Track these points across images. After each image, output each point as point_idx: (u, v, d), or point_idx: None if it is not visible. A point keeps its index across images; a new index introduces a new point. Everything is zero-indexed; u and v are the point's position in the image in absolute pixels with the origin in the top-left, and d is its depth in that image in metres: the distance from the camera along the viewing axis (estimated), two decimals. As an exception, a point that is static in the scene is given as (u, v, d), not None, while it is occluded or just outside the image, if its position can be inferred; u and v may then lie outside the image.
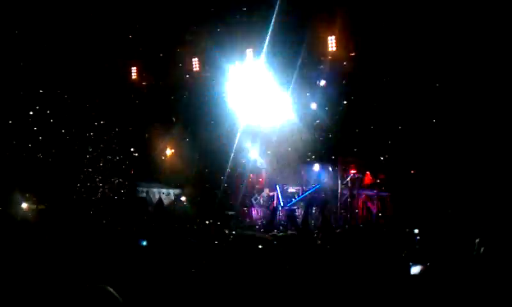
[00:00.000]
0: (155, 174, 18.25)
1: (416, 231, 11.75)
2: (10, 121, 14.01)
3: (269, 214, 15.64)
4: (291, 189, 17.55)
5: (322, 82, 16.23)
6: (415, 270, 5.33)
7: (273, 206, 16.56)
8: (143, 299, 5.97)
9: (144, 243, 9.23)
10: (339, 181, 16.61)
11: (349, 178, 16.54)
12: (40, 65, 14.34)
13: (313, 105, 16.57)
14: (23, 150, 14.64)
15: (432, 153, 14.12)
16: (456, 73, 13.23)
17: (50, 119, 14.96)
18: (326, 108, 16.36)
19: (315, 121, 16.52)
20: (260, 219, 16.67)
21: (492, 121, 12.87)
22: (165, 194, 18.39)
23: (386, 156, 15.83)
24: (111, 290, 2.89)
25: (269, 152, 17.37)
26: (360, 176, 16.64)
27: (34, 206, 14.89)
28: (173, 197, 18.37)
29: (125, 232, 10.61)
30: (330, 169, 17.01)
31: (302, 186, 17.40)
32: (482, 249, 4.93)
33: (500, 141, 12.75)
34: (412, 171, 14.89)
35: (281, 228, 12.91)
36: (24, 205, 14.42)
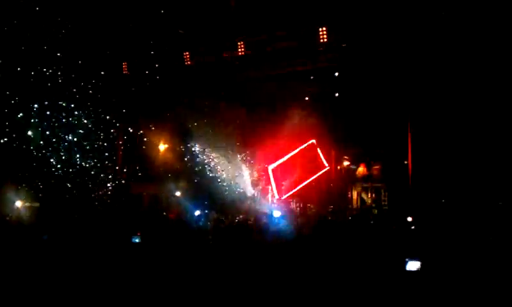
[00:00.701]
0: (148, 170, 18.08)
1: (409, 219, 11.85)
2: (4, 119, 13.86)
3: None
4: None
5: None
6: (411, 266, 5.34)
7: None
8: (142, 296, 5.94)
9: (137, 240, 9.22)
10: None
11: (343, 170, 16.57)
12: (34, 63, 14.16)
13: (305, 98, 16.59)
14: (15, 146, 14.46)
15: (427, 144, 14.15)
16: (455, 65, 13.19)
17: (42, 116, 14.77)
18: (318, 101, 16.34)
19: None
20: None
21: (491, 115, 12.91)
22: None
23: (381, 147, 15.85)
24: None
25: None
26: (354, 167, 16.65)
27: (28, 204, 14.71)
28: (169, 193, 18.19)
29: (118, 230, 10.59)
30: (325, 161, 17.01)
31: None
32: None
33: (498, 137, 12.83)
34: (405, 162, 14.91)
35: None
36: (18, 203, 14.26)
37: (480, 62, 12.69)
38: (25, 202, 14.57)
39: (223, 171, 17.14)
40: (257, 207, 16.17)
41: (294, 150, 17.13)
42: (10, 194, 13.91)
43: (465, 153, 13.27)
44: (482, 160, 12.98)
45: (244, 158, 17.68)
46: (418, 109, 14.32)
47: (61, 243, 8.92)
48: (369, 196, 16.18)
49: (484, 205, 11.73)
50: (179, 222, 13.26)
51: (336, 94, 16.19)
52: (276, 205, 16.37)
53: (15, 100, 13.87)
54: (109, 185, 15.75)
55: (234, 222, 13.23)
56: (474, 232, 8.75)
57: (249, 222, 13.10)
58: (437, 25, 13.12)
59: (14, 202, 14.03)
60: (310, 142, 17.00)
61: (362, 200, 16.33)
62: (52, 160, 14.58)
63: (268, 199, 16.96)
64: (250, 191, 17.34)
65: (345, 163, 16.69)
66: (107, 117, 15.77)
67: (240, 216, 15.18)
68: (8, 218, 12.74)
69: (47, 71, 14.16)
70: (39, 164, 14.54)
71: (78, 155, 14.83)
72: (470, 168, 13.05)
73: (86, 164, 15.07)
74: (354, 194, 16.49)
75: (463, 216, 10.89)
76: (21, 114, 14.14)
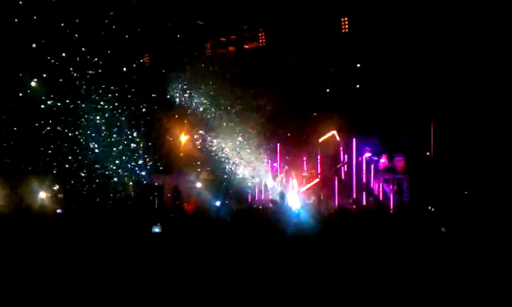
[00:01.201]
0: (170, 161, 18.18)
1: (431, 209, 11.79)
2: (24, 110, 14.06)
3: None
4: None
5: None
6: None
7: None
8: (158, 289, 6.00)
9: (157, 230, 9.30)
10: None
11: (364, 161, 16.43)
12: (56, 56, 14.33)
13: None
14: (38, 138, 14.65)
15: (449, 135, 13.99)
16: (480, 55, 12.96)
17: (64, 105, 14.93)
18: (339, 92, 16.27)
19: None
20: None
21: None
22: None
23: (403, 139, 15.70)
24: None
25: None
26: (376, 158, 16.51)
27: (51, 194, 14.92)
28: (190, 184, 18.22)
29: (139, 220, 10.70)
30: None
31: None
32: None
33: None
34: (428, 153, 14.72)
35: None
36: (42, 194, 14.47)
37: (506, 52, 12.48)
38: (49, 193, 14.79)
39: (243, 162, 17.14)
40: (277, 198, 16.15)
41: (314, 142, 17.04)
42: (34, 185, 14.13)
43: (488, 144, 13.09)
44: (506, 151, 12.81)
45: (265, 150, 17.65)
46: (441, 100, 14.12)
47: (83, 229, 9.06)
48: (391, 188, 15.99)
49: (507, 198, 11.55)
50: (198, 213, 13.35)
51: (358, 86, 16.07)
52: (296, 197, 16.33)
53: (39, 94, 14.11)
54: (130, 175, 15.88)
55: (253, 213, 13.26)
56: (497, 224, 8.63)
57: (266, 212, 13.15)
58: (459, 16, 12.95)
59: (38, 193, 14.25)
60: (331, 133, 16.87)
61: (384, 192, 16.15)
62: (71, 150, 14.76)
63: (288, 191, 16.91)
64: (271, 183, 17.34)
65: (367, 154, 16.52)
66: (130, 108, 15.87)
67: (260, 207, 15.23)
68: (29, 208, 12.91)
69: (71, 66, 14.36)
70: (61, 155, 14.74)
71: (100, 147, 14.98)
72: (494, 159, 12.87)
73: (107, 155, 15.21)
74: (376, 185, 16.33)
75: (485, 208, 10.76)
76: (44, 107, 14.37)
